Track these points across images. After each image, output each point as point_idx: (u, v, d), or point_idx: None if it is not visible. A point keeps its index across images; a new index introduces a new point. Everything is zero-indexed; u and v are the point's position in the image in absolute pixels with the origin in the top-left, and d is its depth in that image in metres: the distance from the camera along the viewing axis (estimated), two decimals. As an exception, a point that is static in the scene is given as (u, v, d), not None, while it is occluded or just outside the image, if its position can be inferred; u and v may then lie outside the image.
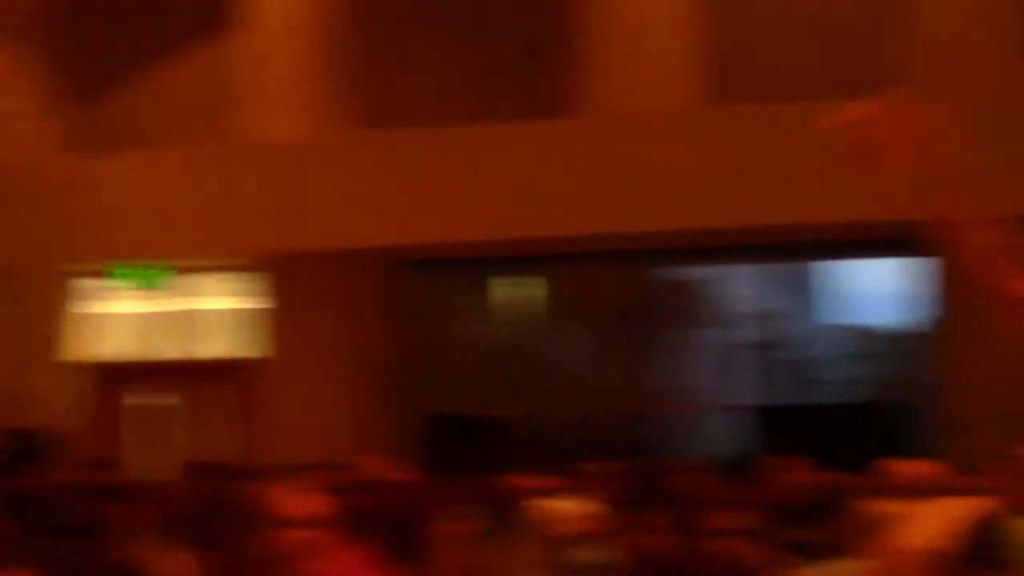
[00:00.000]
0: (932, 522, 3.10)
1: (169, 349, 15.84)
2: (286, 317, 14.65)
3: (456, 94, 14.95)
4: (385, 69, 14.93)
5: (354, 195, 13.60)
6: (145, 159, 14.72)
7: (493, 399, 14.31)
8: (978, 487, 5.44)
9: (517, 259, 14.29)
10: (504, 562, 7.68)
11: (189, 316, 15.79)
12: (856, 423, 13.55)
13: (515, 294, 14.53)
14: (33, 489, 7.41)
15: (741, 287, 14.43)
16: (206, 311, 15.74)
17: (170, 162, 14.59)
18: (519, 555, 7.80)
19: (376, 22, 14.92)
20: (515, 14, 14.99)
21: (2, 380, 14.67)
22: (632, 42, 13.27)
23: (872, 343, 14.01)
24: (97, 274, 15.53)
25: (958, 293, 11.46)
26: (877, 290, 13.93)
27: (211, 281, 15.64)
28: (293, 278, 14.58)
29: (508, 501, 8.44)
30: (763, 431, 13.84)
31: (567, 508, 8.29)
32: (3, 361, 14.76)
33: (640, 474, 6.18)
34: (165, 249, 14.66)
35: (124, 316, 15.99)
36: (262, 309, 14.90)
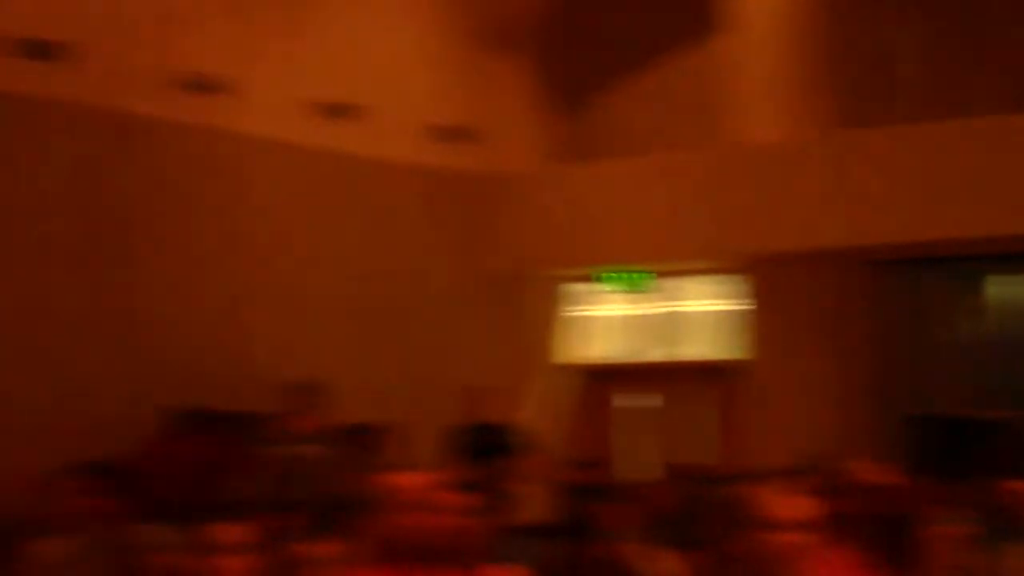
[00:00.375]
0: None
1: (653, 351, 16.12)
2: (767, 318, 14.66)
3: (936, 88, 14.57)
4: (862, 67, 14.73)
5: (834, 194, 13.49)
6: (630, 165, 15.07)
7: (985, 400, 13.86)
8: None
9: (1013, 256, 13.75)
10: (999, 569, 7.45)
11: (672, 319, 16.04)
12: None
13: (1010, 292, 14.01)
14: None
15: None
16: (689, 313, 15.94)
17: (653, 167, 14.87)
18: (1015, 562, 7.55)
19: (853, 19, 14.74)
20: (1000, 1, 14.48)
21: (493, 379, 15.28)
22: None
23: None
24: (585, 278, 15.99)
25: None
26: None
27: (693, 284, 15.83)
28: (774, 279, 14.58)
29: (1004, 506, 8.18)
30: None
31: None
32: (496, 361, 15.38)
33: None
34: (649, 253, 14.95)
35: (611, 319, 16.38)
36: (744, 311, 14.97)
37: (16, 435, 11.24)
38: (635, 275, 15.63)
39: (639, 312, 16.16)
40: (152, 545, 5.51)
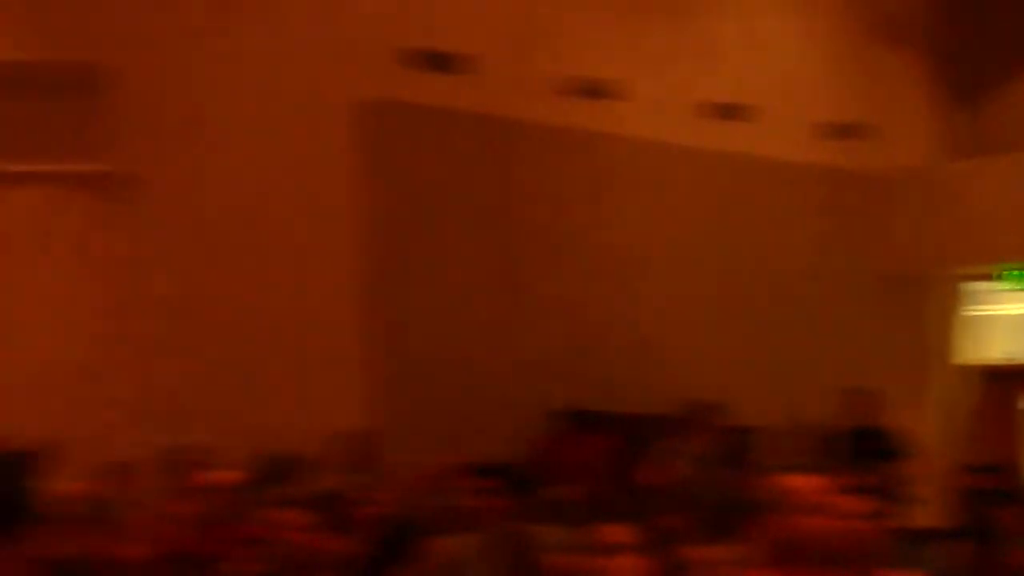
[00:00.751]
0: None
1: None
2: None
3: None
4: None
5: None
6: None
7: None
8: None
9: None
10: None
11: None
12: None
13: None
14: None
15: None
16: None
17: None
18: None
19: None
20: None
21: (889, 381, 14.96)
22: None
23: None
24: (985, 277, 15.47)
25: None
26: None
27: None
28: None
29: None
30: None
31: None
32: (892, 362, 15.05)
33: None
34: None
35: (1012, 318, 15.81)
36: None
37: (414, 434, 11.64)
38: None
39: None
40: (545, 545, 5.63)
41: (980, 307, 15.90)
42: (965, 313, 15.86)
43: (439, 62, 12.54)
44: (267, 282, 11.77)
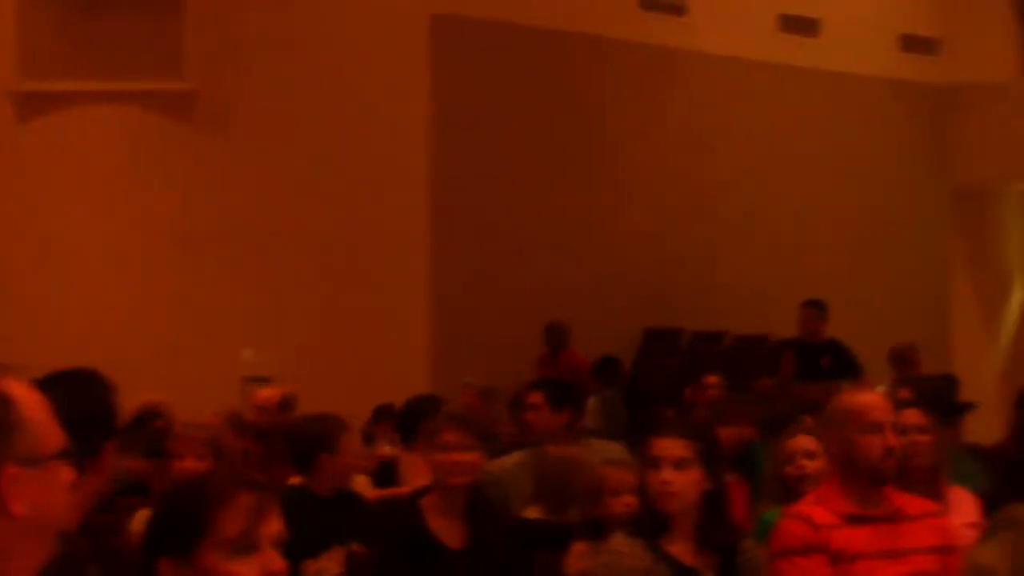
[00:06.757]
0: None
1: None
2: None
3: None
4: None
5: None
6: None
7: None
8: None
9: None
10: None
11: None
12: None
13: None
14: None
15: None
16: None
17: None
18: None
19: None
20: None
21: (968, 297, 14.95)
22: None
23: None
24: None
25: None
26: None
27: None
28: None
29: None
30: None
31: None
32: (972, 279, 15.05)
33: None
34: None
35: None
36: None
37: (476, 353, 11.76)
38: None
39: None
40: (593, 461, 5.67)
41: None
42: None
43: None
44: (340, 199, 11.92)
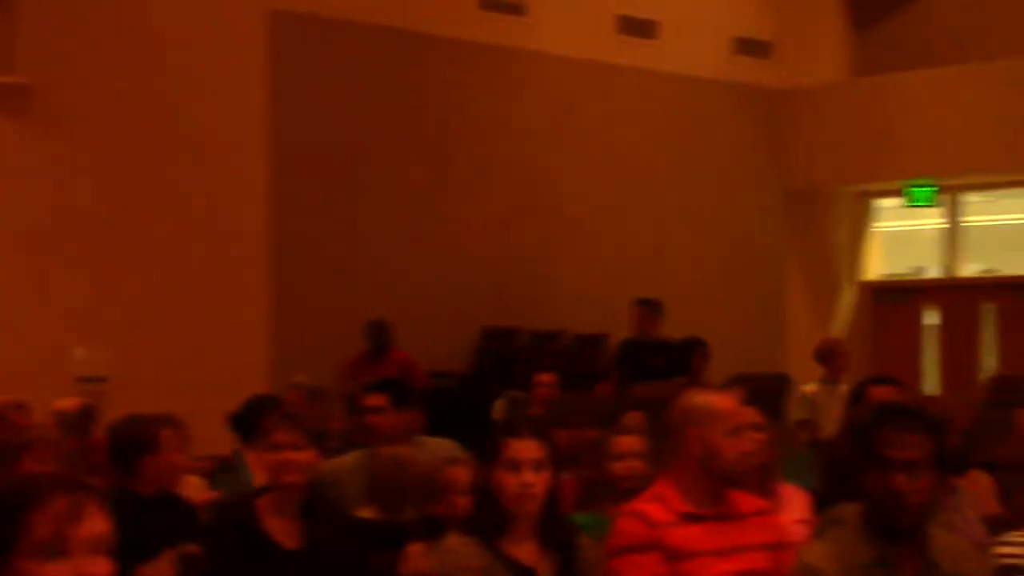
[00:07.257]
0: None
1: (961, 267, 15.71)
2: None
3: None
4: None
5: None
6: (935, 76, 14.68)
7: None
8: None
9: None
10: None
11: (983, 232, 15.67)
12: None
13: None
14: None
15: None
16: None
17: (962, 79, 14.49)
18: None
19: None
20: None
21: (800, 297, 15.22)
22: None
23: None
24: (890, 193, 15.68)
25: None
26: None
27: (1008, 198, 15.43)
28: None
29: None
30: None
31: None
32: (804, 279, 15.30)
33: None
34: (957, 166, 14.60)
35: (917, 234, 16.07)
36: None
37: (323, 350, 11.70)
38: (929, 189, 15.17)
39: (942, 226, 15.70)
40: (430, 460, 5.70)
41: (885, 223, 16.10)
42: (870, 229, 16.06)
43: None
44: (178, 195, 11.75)
